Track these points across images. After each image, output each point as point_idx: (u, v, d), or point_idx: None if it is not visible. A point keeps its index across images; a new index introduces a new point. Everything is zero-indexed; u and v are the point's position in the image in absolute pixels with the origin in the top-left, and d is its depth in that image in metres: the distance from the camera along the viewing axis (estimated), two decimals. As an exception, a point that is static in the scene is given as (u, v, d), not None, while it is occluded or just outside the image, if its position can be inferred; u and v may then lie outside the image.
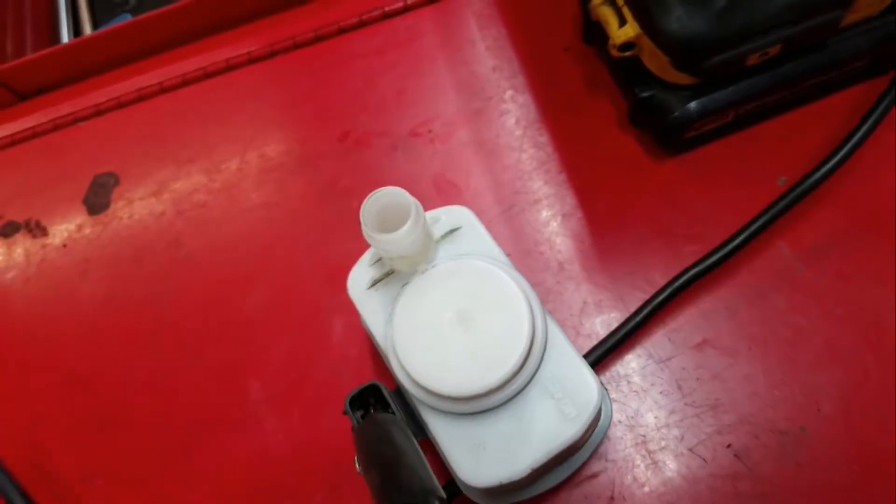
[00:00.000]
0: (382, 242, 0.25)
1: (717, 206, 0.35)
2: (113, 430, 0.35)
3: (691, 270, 0.31)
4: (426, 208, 0.37)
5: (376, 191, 0.25)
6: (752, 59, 0.32)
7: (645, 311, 0.31)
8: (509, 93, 0.39)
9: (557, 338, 0.26)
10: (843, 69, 0.34)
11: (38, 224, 0.40)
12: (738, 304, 0.33)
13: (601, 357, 0.31)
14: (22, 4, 0.61)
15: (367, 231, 0.25)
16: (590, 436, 0.28)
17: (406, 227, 0.25)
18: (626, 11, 0.32)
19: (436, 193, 0.37)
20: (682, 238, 0.34)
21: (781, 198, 0.32)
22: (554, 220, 0.36)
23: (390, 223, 0.25)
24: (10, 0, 0.63)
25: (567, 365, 0.26)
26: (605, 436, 0.30)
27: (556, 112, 0.38)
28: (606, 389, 0.32)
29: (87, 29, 0.63)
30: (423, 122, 0.39)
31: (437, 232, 0.29)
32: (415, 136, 0.39)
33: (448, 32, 0.41)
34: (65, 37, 0.63)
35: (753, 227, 0.32)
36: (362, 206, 0.25)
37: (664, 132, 0.34)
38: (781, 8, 0.30)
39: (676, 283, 0.31)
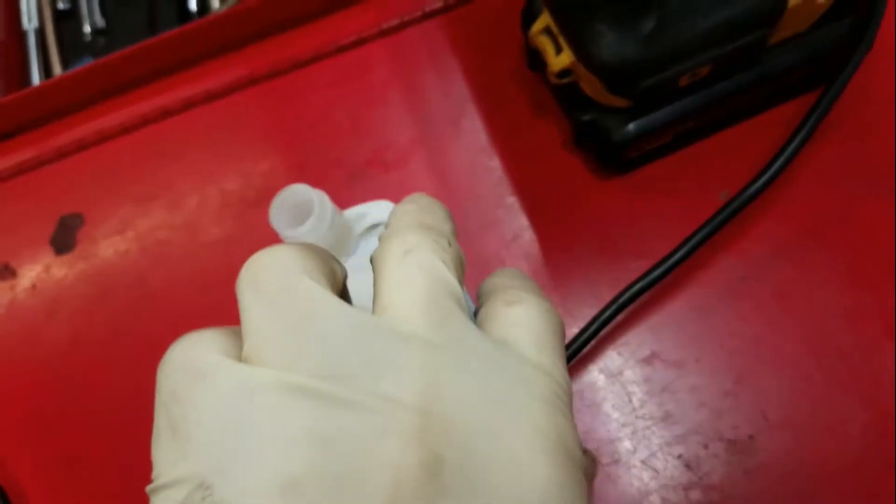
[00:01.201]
0: (290, 239, 0.25)
1: (661, 221, 0.36)
2: (80, 471, 0.36)
3: (635, 286, 0.32)
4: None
5: (283, 189, 0.26)
6: (684, 80, 0.33)
7: (592, 328, 0.32)
8: (460, 119, 0.40)
9: None
10: (776, 85, 0.35)
11: (6, 266, 0.41)
12: (685, 316, 0.34)
13: None
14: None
15: (276, 228, 0.25)
16: None
17: (308, 224, 0.25)
18: (562, 40, 0.34)
19: (392, 220, 0.38)
20: (629, 254, 0.35)
21: (720, 211, 0.33)
22: (505, 241, 0.37)
23: (303, 220, 0.26)
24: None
25: None
26: None
27: (505, 137, 0.39)
28: None
29: (58, 70, 0.64)
30: (378, 151, 0.40)
31: (362, 227, 0.29)
32: (370, 165, 0.40)
33: (400, 63, 0.42)
34: (35, 79, 0.64)
35: (694, 241, 0.33)
36: (271, 205, 0.25)
37: (606, 153, 0.35)
38: (706, 30, 0.31)
39: (621, 299, 0.32)
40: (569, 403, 0.17)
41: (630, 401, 0.33)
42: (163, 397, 0.16)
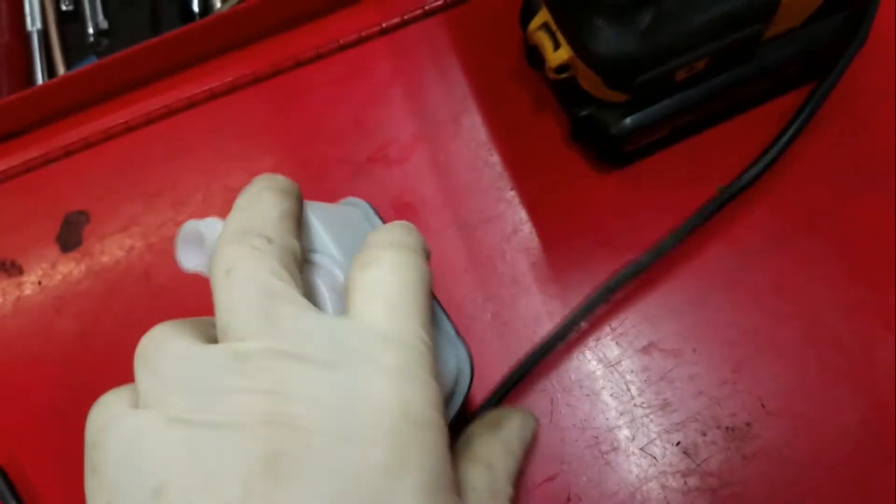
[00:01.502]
0: (193, 271, 0.25)
1: (659, 214, 0.36)
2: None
3: (624, 271, 0.33)
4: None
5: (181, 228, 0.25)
6: (681, 74, 0.34)
7: (580, 311, 0.33)
8: (461, 115, 0.41)
9: None
10: (771, 79, 0.36)
11: (13, 263, 0.42)
12: (682, 307, 0.34)
13: (543, 353, 0.33)
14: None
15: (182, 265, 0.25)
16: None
17: (203, 260, 0.24)
18: (560, 35, 0.34)
19: (394, 214, 0.39)
20: (627, 247, 0.36)
21: (712, 200, 0.34)
22: (505, 235, 0.37)
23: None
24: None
25: None
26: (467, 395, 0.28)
27: (505, 132, 0.40)
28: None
29: (62, 71, 0.65)
30: (380, 148, 0.41)
31: None
32: (372, 161, 0.40)
33: (401, 61, 0.43)
34: (39, 79, 0.65)
35: (684, 228, 0.33)
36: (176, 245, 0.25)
37: (603, 148, 0.36)
38: (702, 24, 0.32)
39: (610, 283, 0.33)
40: (423, 363, 0.19)
41: (628, 390, 0.33)
42: (87, 448, 0.20)
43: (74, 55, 0.65)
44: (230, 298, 0.20)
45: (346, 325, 0.19)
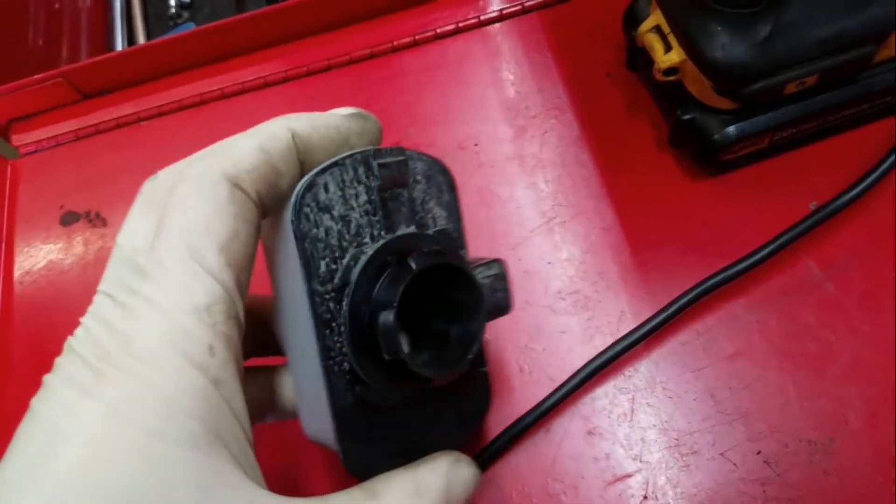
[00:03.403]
0: None
1: (749, 226, 0.36)
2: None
3: (710, 280, 0.33)
4: (470, 220, 0.39)
5: None
6: (790, 88, 0.34)
7: (667, 312, 0.33)
8: (553, 112, 0.41)
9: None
10: (874, 102, 0.36)
11: (98, 215, 0.42)
12: (770, 320, 0.35)
13: (622, 351, 0.33)
14: (78, 15, 0.64)
15: None
16: None
17: None
18: (672, 38, 0.35)
19: (480, 203, 0.39)
20: (716, 255, 0.36)
21: (806, 217, 0.34)
22: (594, 232, 0.38)
23: None
24: (66, 10, 0.66)
25: None
26: None
27: (597, 132, 0.40)
28: None
29: (141, 39, 0.65)
30: (469, 137, 0.41)
31: None
32: (461, 149, 0.41)
33: (495, 55, 0.43)
34: (119, 46, 0.66)
35: (777, 243, 0.34)
36: None
37: (703, 154, 0.36)
38: (819, 41, 0.32)
39: (700, 289, 0.33)
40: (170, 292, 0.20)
41: (712, 395, 0.33)
42: None
43: (154, 26, 0.66)
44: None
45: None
